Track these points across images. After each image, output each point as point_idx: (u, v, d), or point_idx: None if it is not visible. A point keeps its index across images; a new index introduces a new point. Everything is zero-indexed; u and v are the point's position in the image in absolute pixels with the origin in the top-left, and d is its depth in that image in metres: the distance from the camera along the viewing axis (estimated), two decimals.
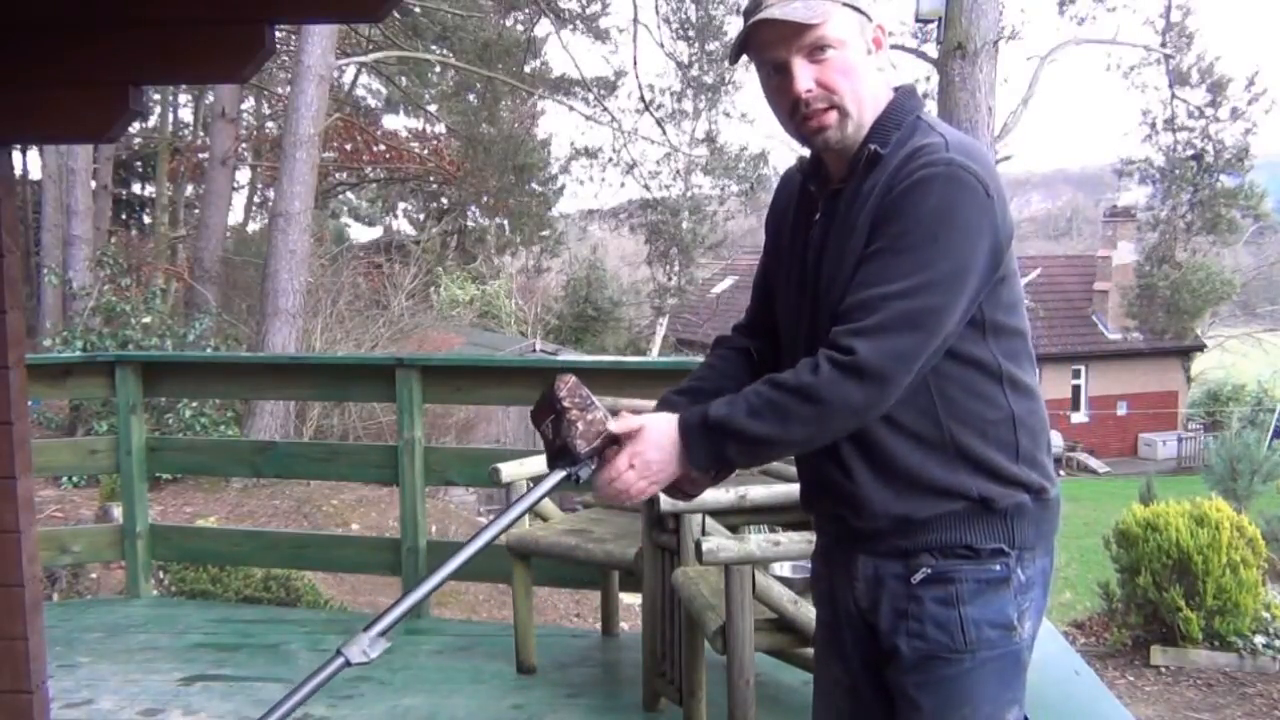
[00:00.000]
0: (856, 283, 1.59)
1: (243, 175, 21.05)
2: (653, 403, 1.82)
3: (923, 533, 1.66)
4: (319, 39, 10.77)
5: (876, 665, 1.74)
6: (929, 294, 1.55)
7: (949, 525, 1.65)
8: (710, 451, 1.62)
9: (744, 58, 1.74)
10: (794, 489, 1.98)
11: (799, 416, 1.57)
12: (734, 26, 21.56)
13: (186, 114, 22.74)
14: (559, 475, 1.66)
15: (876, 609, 1.71)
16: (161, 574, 5.69)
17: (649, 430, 1.63)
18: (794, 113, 1.66)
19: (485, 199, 22.13)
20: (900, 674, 1.69)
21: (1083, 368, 26.74)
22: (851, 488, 1.69)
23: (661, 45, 21.00)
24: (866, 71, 1.66)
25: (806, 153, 1.80)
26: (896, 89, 1.72)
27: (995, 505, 1.65)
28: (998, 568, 1.66)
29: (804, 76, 1.63)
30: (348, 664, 1.58)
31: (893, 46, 1.75)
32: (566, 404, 1.63)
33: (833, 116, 1.65)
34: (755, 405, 1.58)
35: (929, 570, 1.66)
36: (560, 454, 1.64)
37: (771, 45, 1.65)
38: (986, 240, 1.59)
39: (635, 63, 26.65)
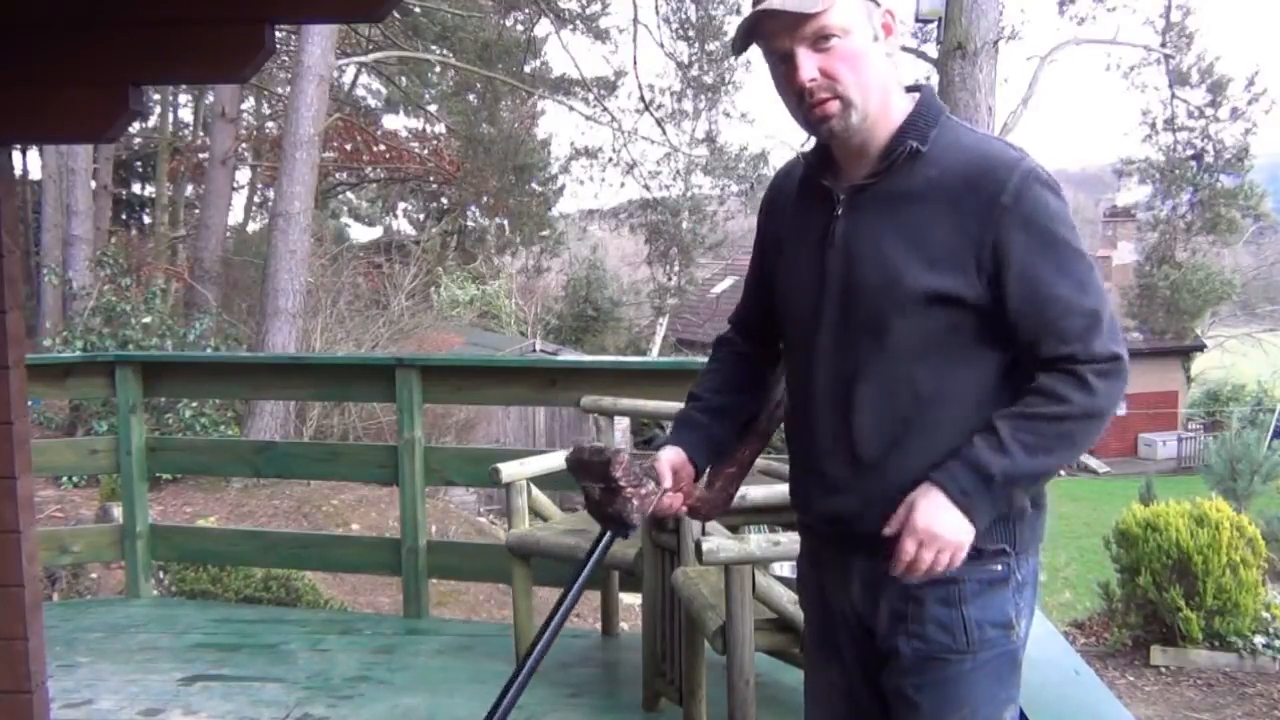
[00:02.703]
0: (1048, 296, 1.58)
1: (243, 175, 21.03)
2: (654, 403, 1.82)
3: None
4: (319, 39, 10.76)
5: (873, 668, 1.73)
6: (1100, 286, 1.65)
7: None
8: (1003, 504, 1.61)
9: (745, 55, 1.73)
10: None
11: (1087, 435, 1.61)
12: (734, 26, 21.41)
13: (186, 114, 22.72)
14: (610, 539, 1.87)
15: (874, 611, 1.70)
16: (161, 574, 5.69)
17: (925, 506, 1.59)
18: (800, 102, 1.64)
19: (485, 199, 22.11)
20: (898, 675, 1.69)
21: None
22: (858, 492, 1.68)
23: (661, 45, 21.01)
24: (873, 59, 1.63)
25: (806, 148, 1.78)
26: (920, 88, 1.70)
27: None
28: (999, 568, 1.66)
29: (807, 66, 1.61)
30: None
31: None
32: (623, 483, 1.79)
33: (835, 106, 1.62)
34: (1035, 444, 1.58)
35: None
36: (613, 520, 1.84)
37: (776, 35, 1.62)
38: None
39: (635, 63, 26.58)
